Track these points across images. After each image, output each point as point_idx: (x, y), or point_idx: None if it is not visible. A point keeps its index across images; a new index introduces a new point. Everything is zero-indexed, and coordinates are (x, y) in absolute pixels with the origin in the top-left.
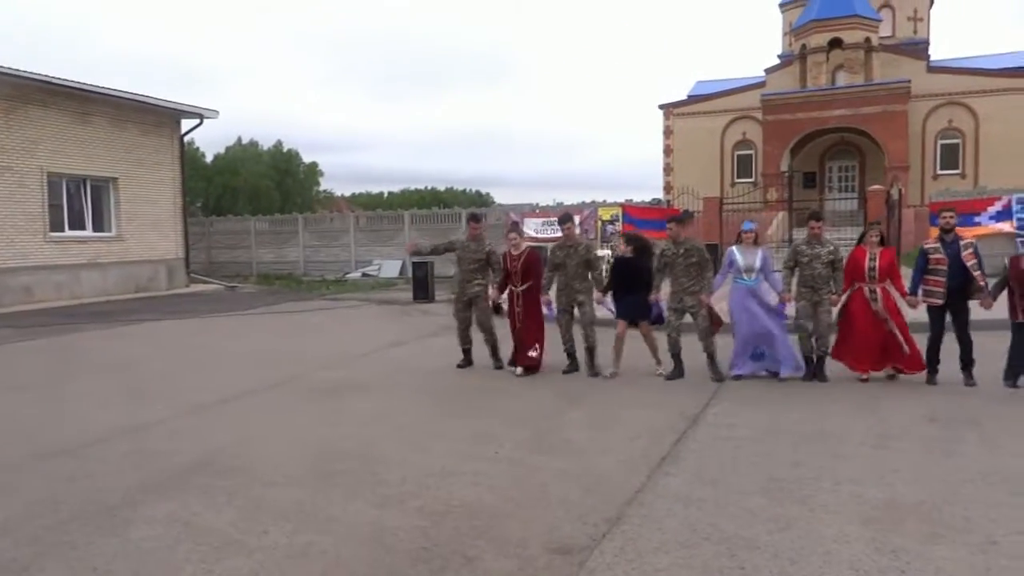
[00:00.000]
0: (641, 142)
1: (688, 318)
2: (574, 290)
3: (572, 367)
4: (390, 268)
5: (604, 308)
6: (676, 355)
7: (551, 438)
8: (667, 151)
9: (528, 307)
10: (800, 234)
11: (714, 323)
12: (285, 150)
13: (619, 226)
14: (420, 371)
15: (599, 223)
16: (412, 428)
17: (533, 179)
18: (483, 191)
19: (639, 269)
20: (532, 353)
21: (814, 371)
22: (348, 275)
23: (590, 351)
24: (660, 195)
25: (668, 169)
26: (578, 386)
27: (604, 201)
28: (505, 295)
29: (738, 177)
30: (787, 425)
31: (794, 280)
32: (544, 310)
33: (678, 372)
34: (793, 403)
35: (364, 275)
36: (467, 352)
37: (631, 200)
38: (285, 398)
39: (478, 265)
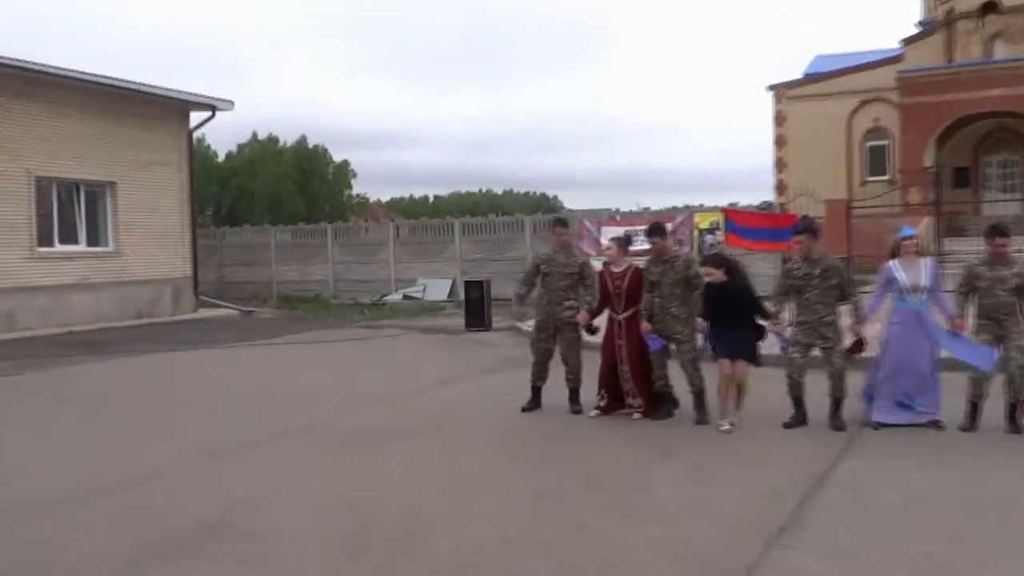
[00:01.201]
0: (746, 132)
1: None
2: (670, 316)
3: (665, 411)
4: (437, 289)
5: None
6: (798, 399)
7: (637, 499)
8: (779, 142)
9: (635, 340)
10: (953, 246)
11: (858, 347)
12: (311, 147)
13: (720, 236)
14: (475, 415)
15: (695, 232)
16: (465, 485)
17: (609, 179)
18: (549, 194)
19: (737, 297)
20: (634, 400)
21: (973, 418)
22: (387, 297)
23: (698, 395)
24: (770, 197)
25: (780, 165)
26: (670, 434)
27: (701, 205)
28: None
29: (870, 174)
30: (943, 487)
31: (969, 310)
32: (649, 340)
33: (799, 418)
34: (950, 458)
35: (406, 297)
36: (537, 392)
37: (735, 204)
38: (312, 446)
39: (570, 282)
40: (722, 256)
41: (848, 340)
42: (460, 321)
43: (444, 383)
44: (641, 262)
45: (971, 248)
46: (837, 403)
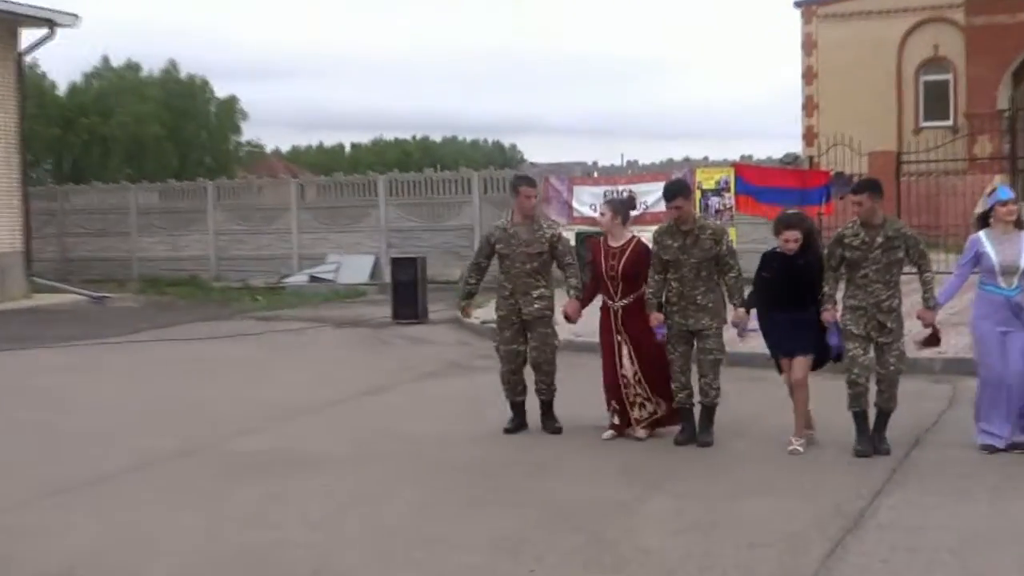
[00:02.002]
0: (764, 64)
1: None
2: (694, 306)
3: (685, 435)
4: (355, 268)
5: (738, 334)
6: (862, 413)
7: (619, 546)
8: (807, 77)
9: (639, 334)
10: None
11: (932, 340)
12: (184, 78)
13: (730, 199)
14: (410, 435)
15: (698, 192)
16: (396, 531)
17: (584, 124)
18: (504, 142)
19: (806, 272)
20: (643, 411)
21: None
22: (288, 280)
23: (710, 410)
24: (796, 148)
25: (809, 107)
26: (664, 460)
27: (705, 159)
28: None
29: (926, 118)
30: (1008, 531)
31: None
32: (658, 333)
33: (865, 443)
34: (1020, 491)
35: (314, 279)
36: (519, 407)
37: (748, 157)
38: (188, 481)
39: (537, 263)
40: (804, 217)
41: (915, 331)
42: (386, 311)
43: (366, 394)
44: (646, 233)
45: None
46: (886, 417)
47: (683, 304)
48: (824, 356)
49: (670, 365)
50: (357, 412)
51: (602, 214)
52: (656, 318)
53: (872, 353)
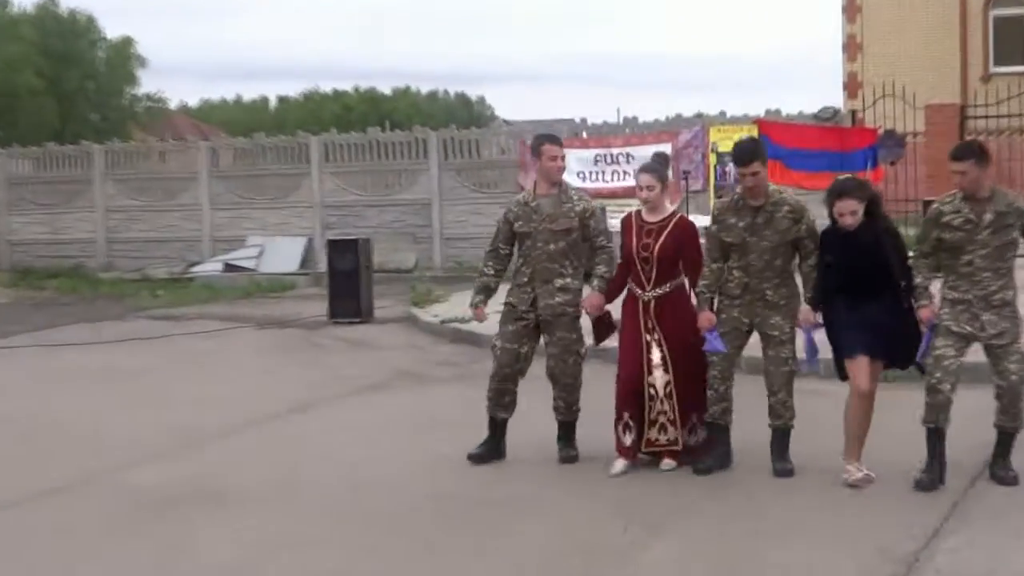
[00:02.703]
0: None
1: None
2: (763, 302)
3: (721, 454)
4: (282, 254)
5: (803, 335)
6: (937, 431)
7: None
8: (849, 11)
9: (678, 336)
10: None
11: None
12: (64, 13)
13: (766, 159)
14: (349, 464)
15: (712, 155)
16: None
17: (569, 70)
18: (470, 94)
19: (875, 253)
20: (690, 438)
21: None
22: (197, 268)
23: (783, 434)
24: (835, 100)
25: (851, 48)
26: (674, 492)
27: (722, 114)
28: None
29: (997, 63)
30: None
31: None
32: (709, 340)
33: (933, 470)
34: None
35: (230, 267)
36: (499, 427)
37: (775, 112)
38: (67, 520)
39: (565, 244)
40: (862, 183)
41: None
42: (321, 307)
43: (294, 411)
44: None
45: None
46: (1010, 439)
47: (748, 299)
48: (904, 358)
49: (710, 370)
50: (283, 435)
51: (646, 187)
52: (708, 319)
53: (964, 356)
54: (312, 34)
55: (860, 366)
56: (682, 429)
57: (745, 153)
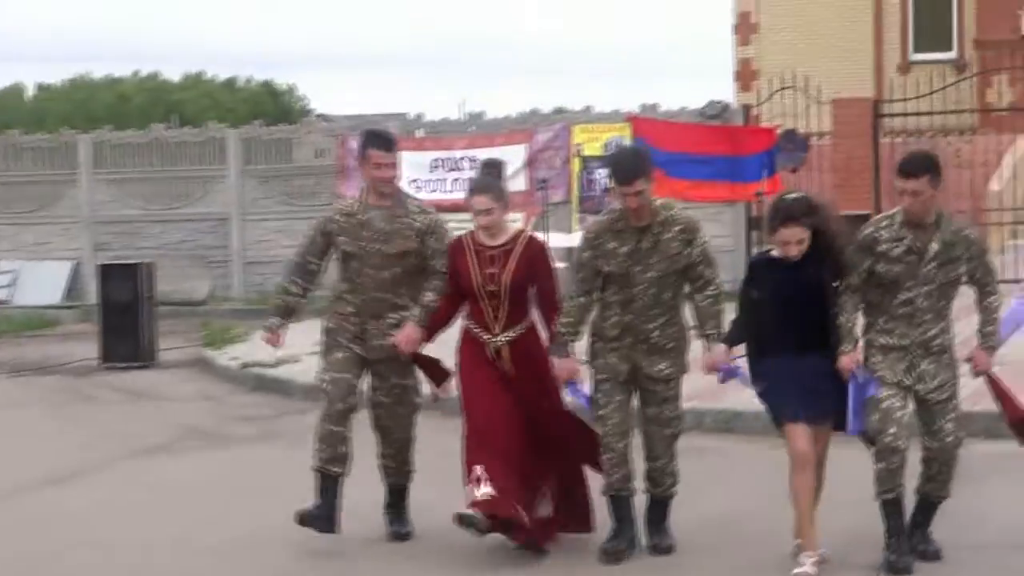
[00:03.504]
0: None
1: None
2: (647, 344)
3: (619, 539)
4: (40, 281)
5: (720, 380)
6: (896, 501)
7: None
8: None
9: (537, 388)
10: None
11: (1016, 414)
12: None
13: (652, 172)
14: (121, 547)
15: (575, 162)
16: None
17: (398, 54)
18: (278, 82)
19: (821, 290)
20: (542, 510)
21: None
22: None
23: (664, 503)
24: (727, 92)
25: (744, 29)
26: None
27: (588, 110)
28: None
29: (917, 49)
30: None
31: None
32: (566, 391)
33: (902, 549)
34: None
35: None
36: (331, 486)
37: (652, 107)
38: None
39: (401, 269)
40: (812, 203)
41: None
42: (91, 348)
43: (54, 482)
44: (559, 237)
45: None
46: (933, 508)
47: (629, 341)
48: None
49: (602, 427)
50: (36, 512)
51: (482, 212)
52: (569, 368)
53: (910, 405)
54: (80, 7)
55: (799, 430)
56: (531, 499)
57: (627, 169)
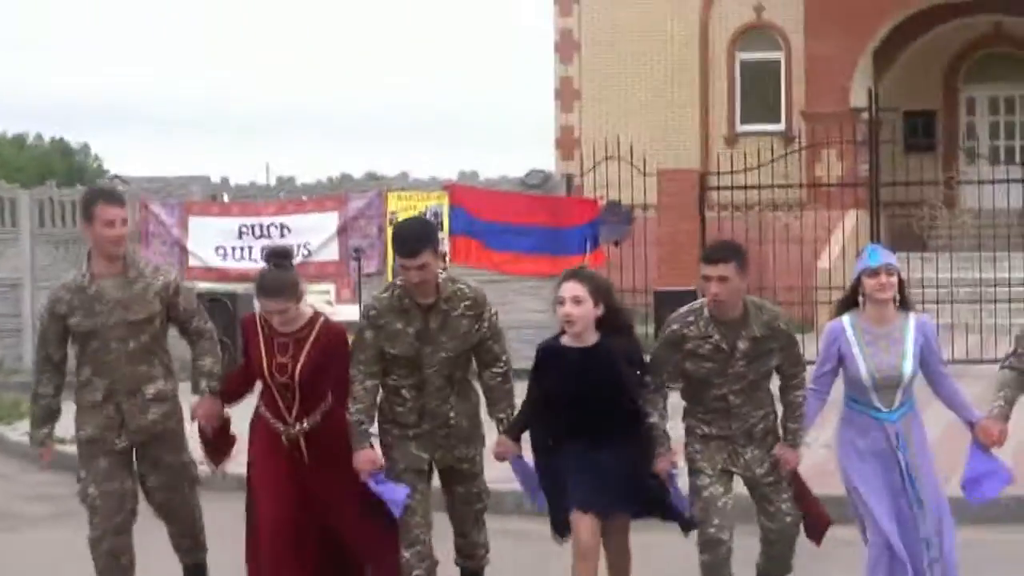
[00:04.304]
0: (502, 30)
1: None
2: (445, 428)
3: None
4: None
5: (514, 473)
6: None
7: None
8: (563, 49)
9: (338, 480)
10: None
11: (817, 520)
12: None
13: (442, 242)
14: None
15: (391, 228)
16: None
17: (195, 112)
18: (72, 141)
19: (610, 377)
20: None
21: None
22: None
23: (475, 574)
24: (548, 161)
25: (567, 95)
26: None
27: (404, 176)
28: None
29: (745, 120)
30: None
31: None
32: (368, 480)
33: None
34: None
35: None
36: None
37: (472, 175)
38: None
39: (147, 337)
40: (594, 277)
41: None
42: None
43: None
44: (345, 307)
45: (942, 275)
46: None
47: (424, 427)
48: (672, 515)
49: (403, 524)
50: None
51: (277, 313)
52: (369, 459)
53: (732, 493)
54: None
55: (584, 520)
56: None
57: (411, 239)
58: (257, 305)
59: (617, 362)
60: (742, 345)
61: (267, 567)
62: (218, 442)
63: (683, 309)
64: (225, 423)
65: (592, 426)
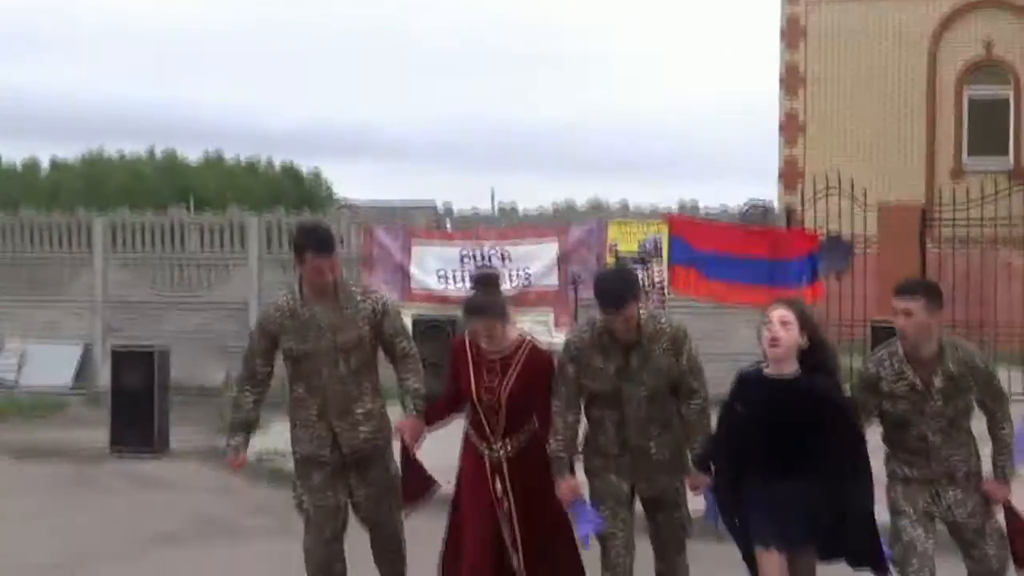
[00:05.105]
0: (725, 63)
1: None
2: (647, 460)
3: None
4: (49, 363)
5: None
6: None
7: None
8: (790, 83)
9: (540, 505)
10: None
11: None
12: None
13: (660, 272)
14: None
15: (611, 257)
16: None
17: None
18: (306, 167)
19: (810, 406)
20: None
21: None
22: None
23: None
24: (768, 191)
25: (791, 128)
26: None
27: (624, 205)
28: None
29: (971, 154)
30: None
31: None
32: (575, 518)
33: None
34: None
35: None
36: None
37: (692, 206)
38: None
39: (357, 360)
40: (803, 306)
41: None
42: (101, 435)
43: (62, 569)
44: (546, 335)
45: None
46: None
47: (627, 460)
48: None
49: (604, 550)
50: None
51: (484, 335)
52: (570, 488)
53: (934, 536)
54: (97, 80)
55: (771, 560)
56: None
57: (616, 294)
58: (466, 329)
59: (817, 397)
60: (938, 383)
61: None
62: (412, 477)
63: (878, 349)
64: (421, 467)
65: (782, 461)
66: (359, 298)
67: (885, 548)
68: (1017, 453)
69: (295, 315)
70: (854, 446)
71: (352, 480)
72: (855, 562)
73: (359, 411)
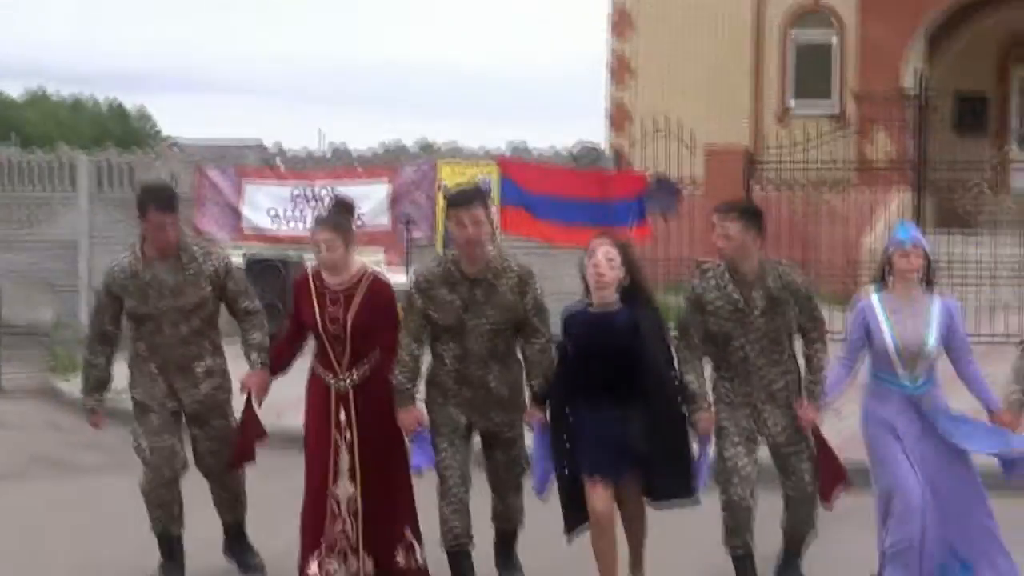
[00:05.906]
0: (554, 7)
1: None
2: (486, 392)
3: None
4: None
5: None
6: (746, 557)
7: None
8: (618, 26)
9: (381, 433)
10: (953, 247)
11: (832, 475)
12: None
13: (490, 209)
14: None
15: (441, 198)
16: None
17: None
18: (129, 104)
19: (632, 341)
20: (398, 558)
21: None
22: None
23: (509, 537)
24: (598, 134)
25: (620, 71)
26: None
27: (454, 146)
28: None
29: (797, 95)
30: None
31: None
32: (413, 447)
33: None
34: None
35: None
36: (175, 547)
37: (522, 147)
38: None
39: (199, 321)
40: (626, 245)
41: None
42: None
43: None
44: (393, 273)
45: (982, 252)
46: (800, 543)
47: (465, 393)
48: (675, 488)
49: (441, 479)
50: None
51: (325, 246)
52: (414, 417)
53: (755, 456)
54: None
55: (597, 491)
56: (393, 549)
57: (466, 192)
58: (309, 265)
59: (640, 327)
60: (758, 299)
61: (307, 526)
62: (249, 428)
63: (702, 264)
64: (256, 419)
65: (608, 391)
66: (201, 258)
67: (702, 479)
68: (830, 387)
69: (136, 276)
70: (671, 378)
71: (193, 429)
72: (661, 496)
73: (199, 369)
